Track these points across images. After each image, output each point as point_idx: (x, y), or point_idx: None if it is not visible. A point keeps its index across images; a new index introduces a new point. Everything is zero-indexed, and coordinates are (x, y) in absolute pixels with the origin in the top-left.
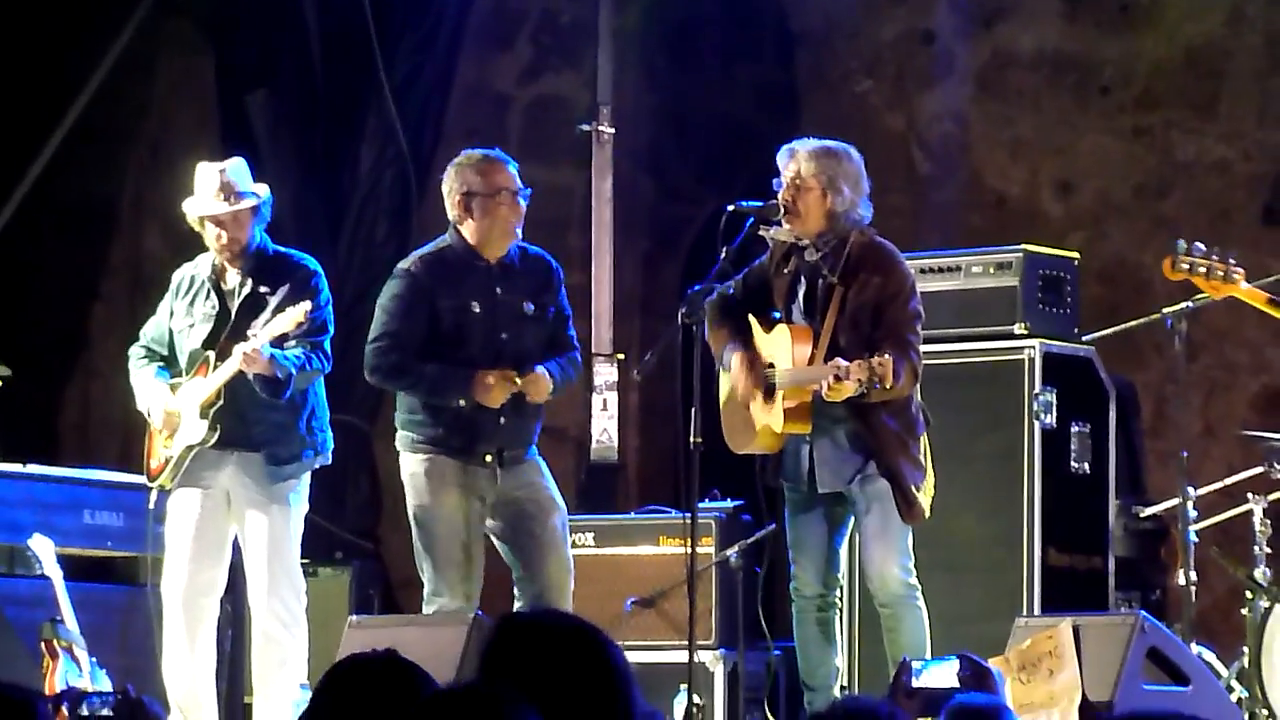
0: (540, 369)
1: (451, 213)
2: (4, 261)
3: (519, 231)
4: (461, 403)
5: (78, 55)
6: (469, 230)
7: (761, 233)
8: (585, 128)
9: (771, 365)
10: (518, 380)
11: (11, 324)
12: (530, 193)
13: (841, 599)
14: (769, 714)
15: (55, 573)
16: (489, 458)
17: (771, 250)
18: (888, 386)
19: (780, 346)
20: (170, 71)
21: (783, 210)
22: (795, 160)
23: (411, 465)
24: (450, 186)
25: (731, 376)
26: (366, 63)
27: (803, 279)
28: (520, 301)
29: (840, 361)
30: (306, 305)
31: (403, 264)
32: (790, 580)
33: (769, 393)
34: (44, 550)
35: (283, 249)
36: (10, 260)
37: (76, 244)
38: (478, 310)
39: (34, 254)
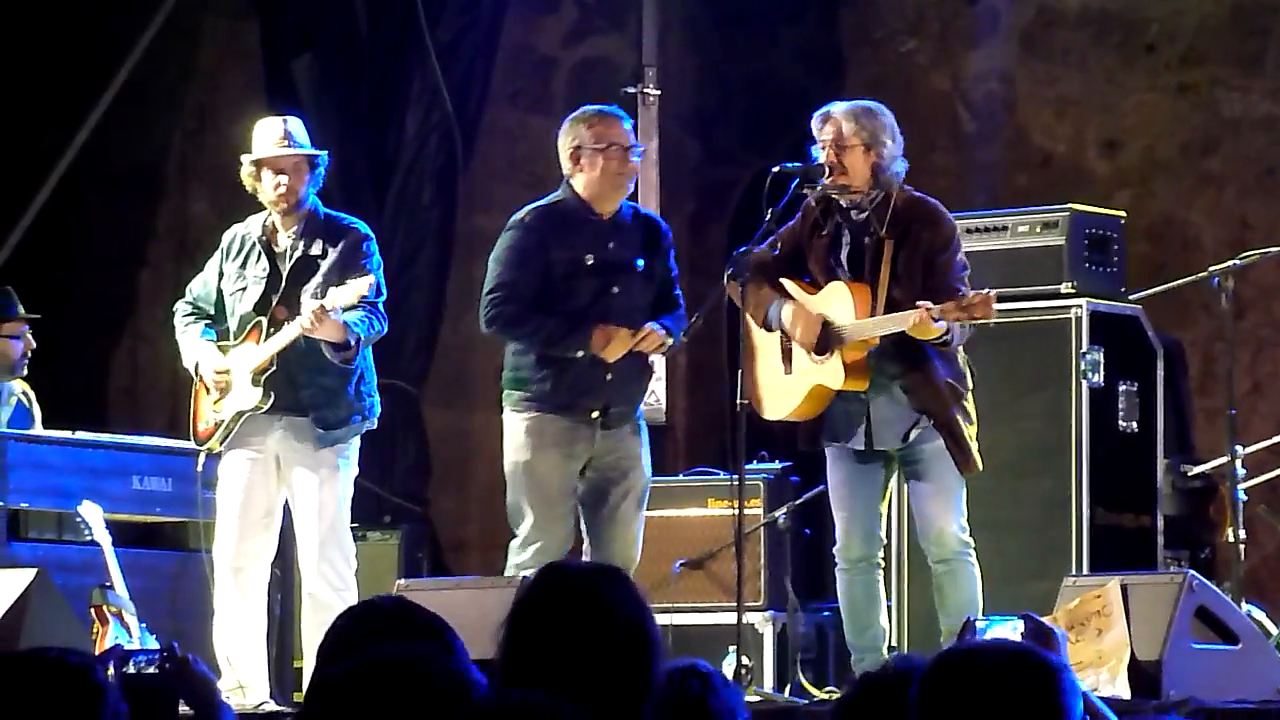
0: (655, 325)
1: (564, 167)
2: (51, 227)
3: (630, 186)
4: (579, 354)
5: (124, 20)
6: (580, 184)
7: (805, 190)
8: (630, 90)
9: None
10: (634, 335)
11: (59, 290)
12: (643, 150)
13: (884, 559)
14: (802, 677)
15: (104, 538)
16: (595, 414)
17: (804, 214)
18: (986, 319)
19: (837, 302)
20: (216, 36)
21: (828, 171)
22: (832, 122)
23: (513, 423)
24: (563, 142)
25: (788, 325)
26: (411, 26)
27: (846, 238)
28: (631, 257)
29: (927, 303)
30: (370, 279)
31: (516, 216)
32: (833, 544)
33: (820, 350)
34: (93, 516)
35: (335, 213)
36: (57, 226)
37: (123, 209)
38: (590, 263)
39: (81, 219)
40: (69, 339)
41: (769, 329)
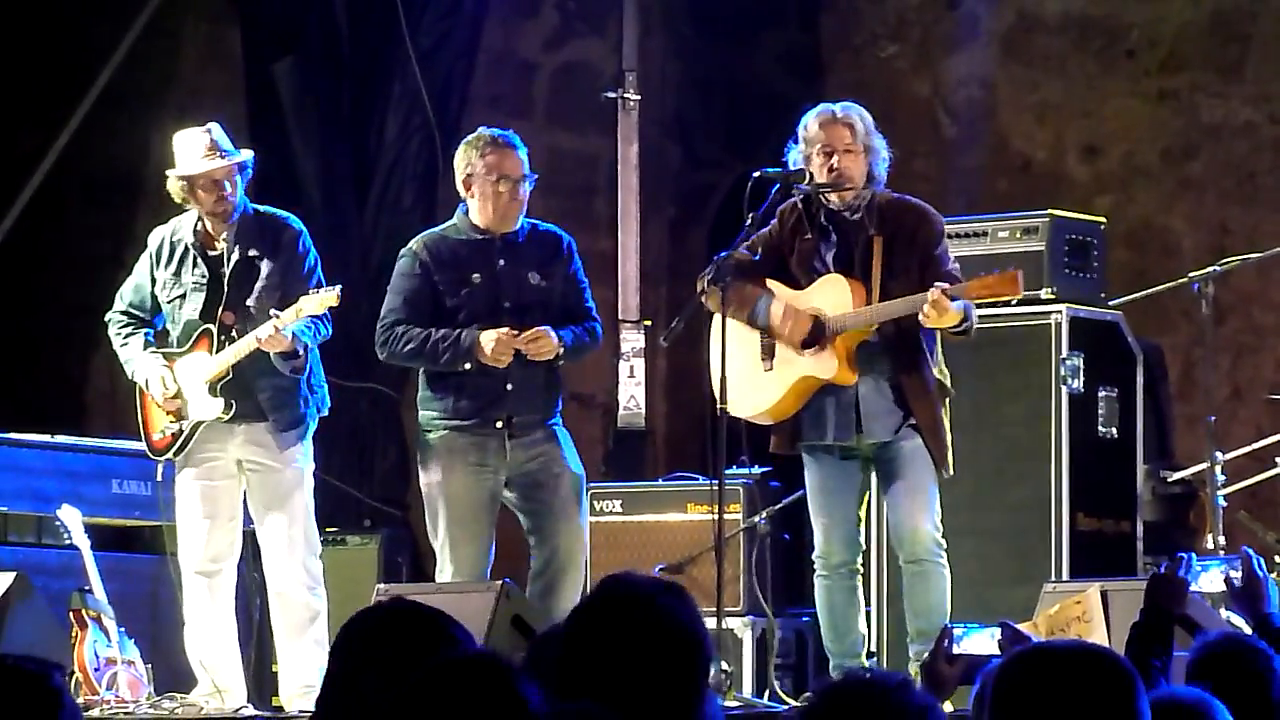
0: (546, 328)
1: (459, 189)
2: (31, 230)
3: (521, 215)
4: (467, 366)
5: (104, 24)
6: (472, 209)
7: (793, 193)
8: (611, 94)
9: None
10: (515, 341)
11: (38, 293)
12: (536, 178)
13: (863, 566)
14: (777, 685)
15: (83, 542)
16: (499, 424)
17: (780, 219)
18: (1015, 295)
19: (833, 294)
20: (196, 40)
21: (825, 174)
22: (842, 124)
23: (425, 444)
24: (457, 164)
25: (777, 323)
26: (392, 30)
27: (832, 241)
28: (525, 273)
29: (943, 284)
30: (338, 289)
31: (409, 244)
32: (812, 549)
33: (808, 345)
34: (72, 520)
35: (263, 208)
36: (37, 229)
37: (103, 212)
38: (478, 280)
39: (61, 223)
40: (49, 343)
41: (753, 325)
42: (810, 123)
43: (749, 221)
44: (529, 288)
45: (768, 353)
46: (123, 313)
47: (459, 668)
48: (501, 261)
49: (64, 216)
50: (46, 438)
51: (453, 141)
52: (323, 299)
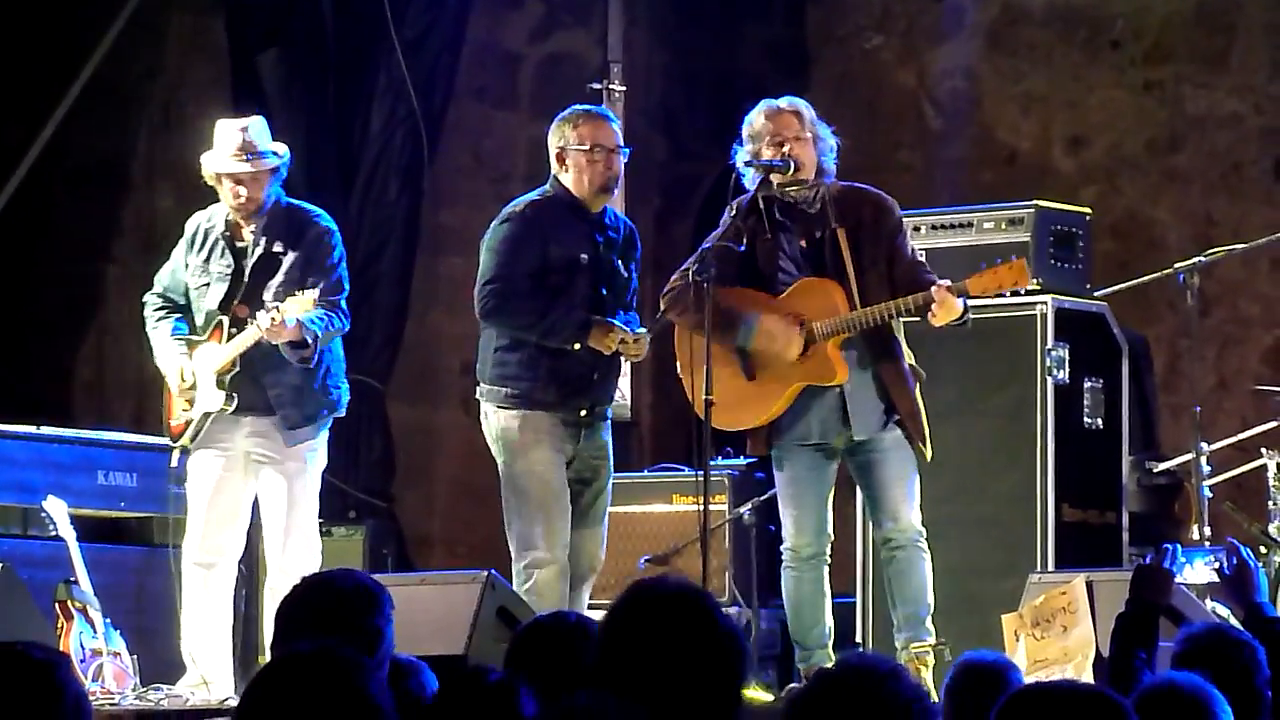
0: (645, 330)
1: (552, 166)
2: (17, 222)
3: (616, 188)
4: (576, 346)
5: (89, 15)
6: (567, 182)
7: (763, 193)
8: (596, 86)
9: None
10: (629, 335)
11: (25, 284)
12: (630, 151)
13: (850, 553)
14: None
15: (69, 534)
16: (583, 413)
17: (733, 220)
18: (1023, 285)
19: (815, 299)
20: (181, 31)
21: (792, 167)
22: (792, 116)
23: (503, 421)
24: (550, 141)
25: (765, 343)
26: (377, 21)
27: (792, 235)
28: (615, 259)
29: (945, 280)
30: (314, 293)
31: (511, 208)
32: (783, 541)
33: (805, 346)
34: (58, 511)
35: (297, 202)
36: (23, 220)
37: (89, 204)
38: (585, 261)
39: (46, 214)
40: (35, 334)
41: (738, 344)
42: (755, 118)
43: (733, 212)
44: (619, 276)
45: (749, 374)
46: (159, 295)
47: (302, 663)
48: (601, 243)
49: (50, 208)
50: (32, 429)
51: (438, 133)
52: (300, 301)
